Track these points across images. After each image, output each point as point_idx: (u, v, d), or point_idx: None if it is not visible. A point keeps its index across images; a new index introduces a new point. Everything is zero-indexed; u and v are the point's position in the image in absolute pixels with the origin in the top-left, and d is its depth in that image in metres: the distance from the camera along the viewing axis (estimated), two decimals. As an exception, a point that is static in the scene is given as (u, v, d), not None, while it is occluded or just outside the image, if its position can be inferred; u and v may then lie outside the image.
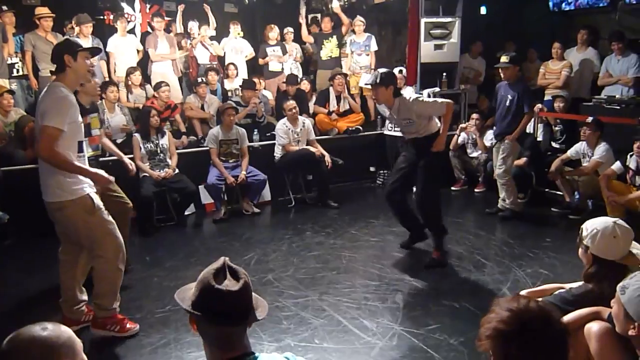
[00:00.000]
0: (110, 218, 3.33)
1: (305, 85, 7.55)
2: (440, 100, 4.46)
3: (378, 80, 4.27)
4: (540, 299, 2.14)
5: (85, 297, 3.59)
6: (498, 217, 5.72)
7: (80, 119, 3.22)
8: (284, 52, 7.99)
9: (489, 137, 6.78)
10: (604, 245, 2.39)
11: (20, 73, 6.55)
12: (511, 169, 5.67)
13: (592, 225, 2.45)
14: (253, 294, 1.60)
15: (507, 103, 5.46)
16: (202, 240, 5.40)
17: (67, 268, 3.46)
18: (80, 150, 3.24)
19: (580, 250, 2.53)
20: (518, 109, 5.42)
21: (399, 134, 6.92)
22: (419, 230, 4.83)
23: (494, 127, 5.84)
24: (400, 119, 4.46)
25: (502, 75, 5.51)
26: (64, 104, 3.04)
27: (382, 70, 4.42)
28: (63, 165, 3.05)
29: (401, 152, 4.85)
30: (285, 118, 6.39)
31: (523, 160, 6.17)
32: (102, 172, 3.22)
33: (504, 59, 5.42)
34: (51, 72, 3.26)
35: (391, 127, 7.07)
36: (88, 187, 3.22)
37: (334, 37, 7.94)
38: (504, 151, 5.54)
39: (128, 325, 3.44)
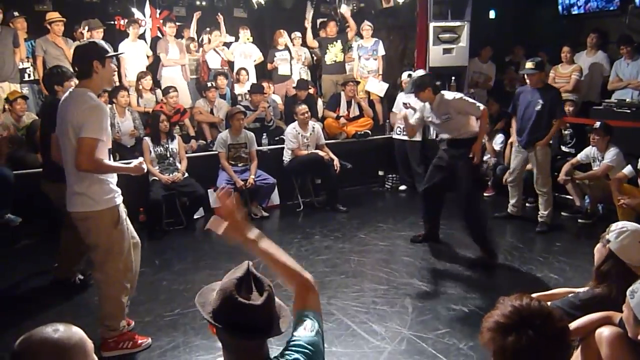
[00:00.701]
0: (130, 236, 3.29)
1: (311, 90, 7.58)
2: (478, 103, 4.68)
3: (413, 89, 4.68)
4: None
5: None
6: (506, 221, 5.68)
7: (109, 125, 3.16)
8: (291, 56, 8.02)
9: (498, 141, 6.77)
10: (627, 246, 2.35)
11: (32, 78, 6.61)
12: (549, 177, 5.47)
13: (623, 225, 2.42)
14: (276, 301, 1.57)
15: (538, 108, 5.25)
16: (211, 244, 5.40)
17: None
18: (111, 157, 3.21)
19: (599, 244, 2.48)
20: (550, 115, 5.27)
21: (406, 137, 6.98)
22: (435, 232, 5.18)
23: (520, 135, 5.48)
24: (440, 113, 4.66)
25: (527, 81, 5.38)
26: (100, 112, 2.98)
27: (417, 74, 4.81)
28: (106, 169, 3.03)
29: (439, 151, 5.00)
30: (296, 122, 6.41)
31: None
32: (136, 161, 3.18)
33: (529, 64, 5.27)
34: (76, 76, 3.18)
35: (400, 132, 7.08)
36: (119, 197, 3.17)
37: (339, 41, 7.96)
38: (539, 158, 5.35)
39: (140, 341, 3.37)
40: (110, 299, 3.27)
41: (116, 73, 6.98)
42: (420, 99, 4.79)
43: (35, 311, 3.83)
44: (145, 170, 3.29)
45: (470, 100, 4.72)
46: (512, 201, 5.83)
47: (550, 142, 5.56)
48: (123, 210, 3.22)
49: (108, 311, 3.28)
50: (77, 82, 3.55)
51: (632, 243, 2.35)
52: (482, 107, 4.62)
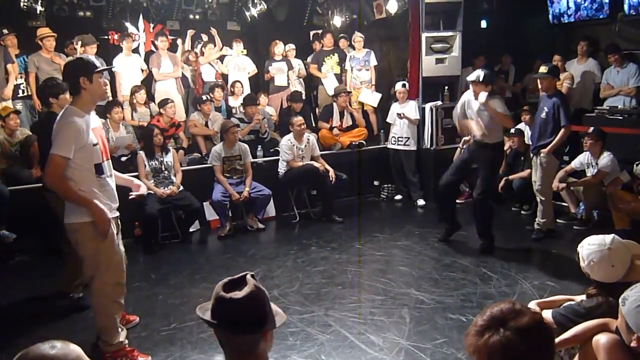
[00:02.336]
0: (120, 249, 3.29)
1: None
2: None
3: (482, 78, 4.89)
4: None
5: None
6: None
7: (95, 140, 3.10)
8: (290, 67, 8.07)
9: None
10: (604, 274, 2.42)
11: (26, 94, 6.61)
12: (550, 187, 5.45)
13: (588, 255, 2.45)
14: (274, 307, 1.64)
15: (543, 115, 5.24)
16: (207, 257, 5.39)
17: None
18: (101, 172, 3.14)
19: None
20: (555, 122, 5.15)
21: (401, 147, 7.03)
22: (454, 221, 5.47)
23: (532, 143, 5.57)
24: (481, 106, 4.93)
25: (539, 85, 5.36)
26: (70, 130, 2.96)
27: (485, 71, 5.06)
28: (65, 193, 3.02)
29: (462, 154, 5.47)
30: (291, 134, 6.42)
31: (527, 172, 6.17)
32: (106, 212, 3.08)
33: (542, 69, 5.25)
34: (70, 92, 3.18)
35: (394, 141, 7.11)
36: (108, 213, 3.13)
37: (335, 54, 8.01)
38: (541, 166, 5.31)
39: (140, 358, 3.35)
40: (101, 313, 3.27)
41: (110, 87, 7.01)
42: (474, 92, 4.96)
43: (31, 328, 3.80)
44: (109, 225, 3.14)
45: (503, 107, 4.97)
46: (538, 216, 5.56)
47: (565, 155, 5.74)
48: (113, 225, 3.21)
49: (101, 325, 3.29)
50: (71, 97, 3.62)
51: (605, 269, 2.42)
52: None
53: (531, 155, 5.55)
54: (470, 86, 5.02)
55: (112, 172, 3.31)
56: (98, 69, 3.11)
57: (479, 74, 4.97)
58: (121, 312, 3.41)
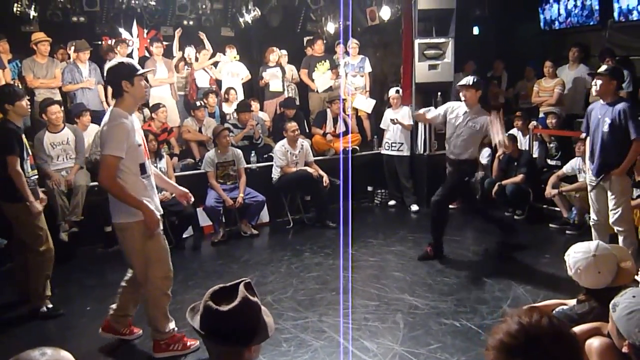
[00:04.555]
0: (165, 244, 3.42)
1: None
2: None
3: (470, 83, 4.90)
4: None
5: (133, 312, 3.66)
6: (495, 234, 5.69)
7: (139, 141, 3.26)
8: (284, 73, 8.09)
9: (485, 155, 6.83)
10: (592, 281, 2.44)
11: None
12: (630, 213, 4.51)
13: (574, 263, 2.47)
14: (267, 319, 1.62)
15: (605, 128, 4.26)
16: (200, 263, 5.37)
17: (128, 291, 3.57)
18: (144, 171, 3.29)
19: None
20: (623, 135, 4.20)
21: (394, 153, 7.05)
22: (440, 245, 5.18)
23: (591, 161, 4.49)
24: (471, 119, 4.89)
25: (595, 88, 4.38)
26: (121, 130, 3.10)
27: (474, 77, 5.06)
28: (118, 194, 3.13)
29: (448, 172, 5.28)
30: (285, 140, 6.42)
31: (520, 177, 6.21)
32: (155, 212, 3.25)
33: (602, 68, 4.37)
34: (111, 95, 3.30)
35: (388, 147, 7.13)
36: (157, 208, 3.32)
37: (327, 61, 8.04)
38: (615, 190, 4.34)
39: (189, 343, 3.52)
40: (153, 304, 3.41)
41: (103, 93, 7.00)
42: (464, 96, 4.93)
43: (21, 335, 3.78)
44: (159, 225, 3.34)
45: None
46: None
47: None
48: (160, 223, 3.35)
49: (152, 315, 3.44)
50: (28, 102, 4.12)
51: (592, 276, 2.43)
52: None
53: (592, 179, 4.49)
54: (460, 93, 4.99)
55: (152, 171, 3.47)
56: (139, 72, 3.24)
57: (469, 78, 4.98)
58: (169, 302, 3.50)
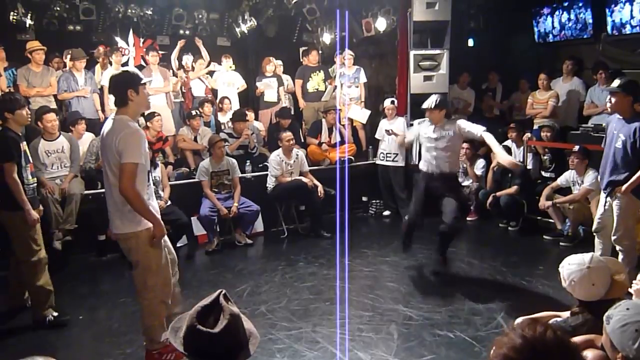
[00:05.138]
0: (166, 253, 3.41)
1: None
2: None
3: (434, 105, 4.89)
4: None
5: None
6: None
7: (147, 148, 3.28)
8: (280, 83, 8.11)
9: (479, 166, 6.86)
10: (586, 293, 2.45)
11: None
12: (632, 231, 4.34)
13: (568, 275, 2.48)
14: (247, 325, 1.60)
15: (618, 144, 4.16)
16: (194, 272, 5.35)
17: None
18: (149, 179, 3.34)
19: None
20: (635, 153, 4.08)
21: (389, 163, 7.06)
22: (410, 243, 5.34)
23: (602, 175, 4.44)
24: (443, 130, 4.90)
25: (610, 103, 4.29)
26: (137, 137, 3.12)
27: (437, 96, 5.07)
28: (136, 203, 3.12)
29: (420, 185, 5.14)
30: (280, 149, 6.43)
31: (514, 188, 6.24)
32: (162, 224, 3.27)
33: (615, 82, 4.27)
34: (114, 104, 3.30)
35: (383, 157, 7.15)
36: (158, 213, 3.34)
37: (321, 71, 8.08)
38: (618, 207, 4.26)
39: None
40: (150, 312, 3.38)
41: (98, 102, 7.00)
42: (431, 117, 4.97)
43: (13, 344, 3.75)
44: (164, 234, 3.35)
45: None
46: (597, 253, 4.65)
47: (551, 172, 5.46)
48: None
49: (148, 324, 3.40)
50: (28, 111, 4.13)
51: (586, 288, 2.43)
52: (482, 128, 4.73)
53: (602, 192, 4.46)
54: (426, 114, 5.02)
55: (151, 181, 3.51)
56: (143, 81, 3.25)
57: (432, 100, 4.94)
58: (166, 312, 3.46)
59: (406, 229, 5.24)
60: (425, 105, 4.99)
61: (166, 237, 3.43)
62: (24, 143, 4.06)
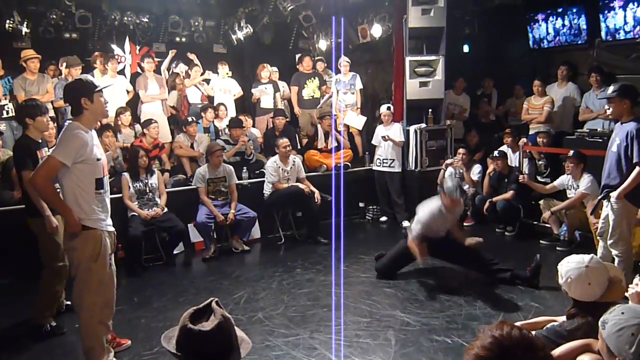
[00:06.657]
0: (112, 269, 3.32)
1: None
2: None
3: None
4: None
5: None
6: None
7: (98, 155, 3.21)
8: (276, 89, 8.13)
9: (475, 172, 6.88)
10: (581, 292, 2.47)
11: (11, 115, 6.55)
12: (627, 236, 4.30)
13: (566, 272, 2.50)
14: (239, 333, 1.61)
15: (614, 148, 4.24)
16: (191, 280, 5.33)
17: None
18: (101, 186, 3.24)
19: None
20: (628, 158, 4.12)
21: (386, 169, 7.08)
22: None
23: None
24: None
25: (609, 112, 4.35)
26: (76, 140, 3.06)
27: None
28: (48, 196, 3.12)
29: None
30: (276, 156, 6.43)
31: (510, 193, 6.25)
32: (79, 224, 3.14)
33: (610, 88, 4.29)
34: (70, 112, 3.27)
35: (379, 163, 7.16)
36: (108, 227, 3.27)
37: (316, 78, 8.10)
38: (613, 214, 4.25)
39: None
40: (88, 333, 3.26)
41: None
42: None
43: (9, 354, 3.71)
44: (78, 229, 3.19)
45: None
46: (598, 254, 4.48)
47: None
48: (108, 244, 3.27)
49: (88, 346, 3.28)
50: (49, 119, 4.02)
51: (583, 287, 2.46)
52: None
53: (600, 197, 4.45)
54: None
55: (108, 188, 3.41)
56: (98, 89, 3.20)
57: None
58: (108, 333, 3.38)
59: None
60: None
61: (112, 257, 3.34)
62: (44, 149, 4.04)
